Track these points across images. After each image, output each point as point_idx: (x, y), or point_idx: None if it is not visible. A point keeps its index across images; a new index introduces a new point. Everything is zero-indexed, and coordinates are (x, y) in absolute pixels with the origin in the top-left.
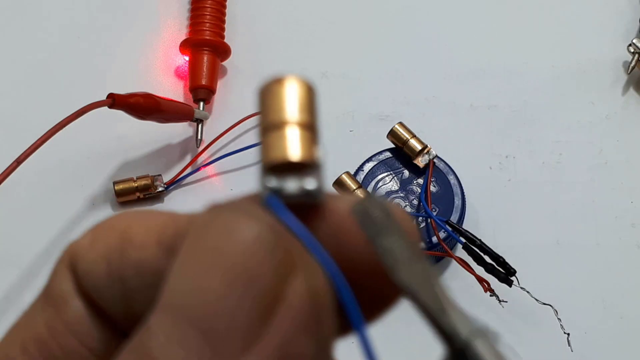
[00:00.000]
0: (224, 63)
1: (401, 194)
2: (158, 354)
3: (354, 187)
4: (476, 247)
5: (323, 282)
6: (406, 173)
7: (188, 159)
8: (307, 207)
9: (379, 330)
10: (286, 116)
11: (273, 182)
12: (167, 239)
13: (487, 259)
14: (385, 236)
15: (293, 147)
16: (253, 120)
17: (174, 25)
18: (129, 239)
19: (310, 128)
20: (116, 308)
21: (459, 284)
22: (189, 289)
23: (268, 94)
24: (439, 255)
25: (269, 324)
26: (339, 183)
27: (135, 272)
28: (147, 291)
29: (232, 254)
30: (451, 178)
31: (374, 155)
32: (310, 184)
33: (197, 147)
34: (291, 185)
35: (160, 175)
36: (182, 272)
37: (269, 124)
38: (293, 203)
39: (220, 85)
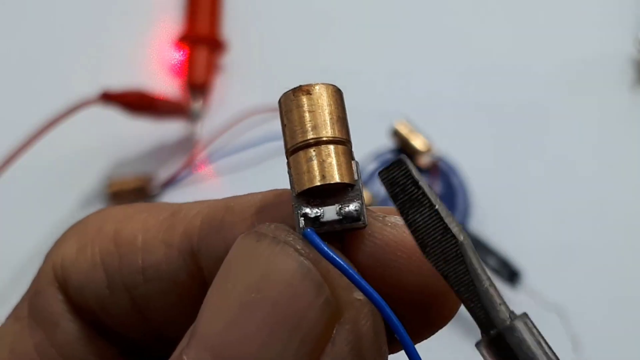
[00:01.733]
0: (222, 59)
1: None
2: None
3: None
4: (481, 249)
5: (370, 322)
6: None
7: (184, 157)
8: (348, 233)
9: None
10: (317, 133)
11: (310, 210)
12: (177, 239)
13: (492, 260)
14: (416, 208)
15: (329, 168)
16: (253, 120)
17: (170, 20)
18: (128, 242)
19: (344, 143)
20: (125, 319)
21: None
22: (227, 330)
23: (292, 106)
24: None
25: None
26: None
27: (144, 277)
28: (164, 298)
29: (275, 294)
30: (455, 178)
31: (376, 156)
32: (351, 206)
33: (193, 146)
34: (330, 211)
35: (154, 175)
36: (218, 308)
37: (298, 144)
38: (333, 231)
39: (217, 82)
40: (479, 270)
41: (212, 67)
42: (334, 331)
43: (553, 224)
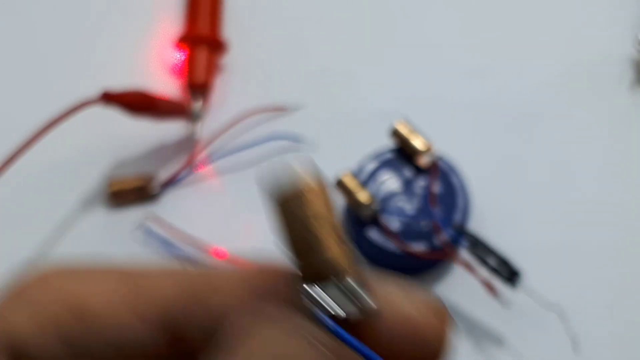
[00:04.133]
0: (222, 60)
1: (404, 195)
2: None
3: (356, 189)
4: (480, 249)
5: None
6: (409, 173)
7: (184, 157)
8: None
9: None
10: (320, 243)
11: (318, 294)
12: (148, 310)
13: (491, 260)
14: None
15: (336, 266)
16: (253, 120)
17: (170, 20)
18: (89, 311)
19: (341, 239)
20: None
21: (463, 286)
22: None
23: (287, 213)
24: (442, 257)
25: None
26: (340, 184)
27: (113, 351)
28: None
29: None
30: (455, 178)
31: (376, 155)
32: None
33: (193, 146)
34: (340, 302)
35: (155, 174)
36: None
37: (300, 250)
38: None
39: (217, 82)
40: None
41: (212, 67)
42: None
43: (553, 223)
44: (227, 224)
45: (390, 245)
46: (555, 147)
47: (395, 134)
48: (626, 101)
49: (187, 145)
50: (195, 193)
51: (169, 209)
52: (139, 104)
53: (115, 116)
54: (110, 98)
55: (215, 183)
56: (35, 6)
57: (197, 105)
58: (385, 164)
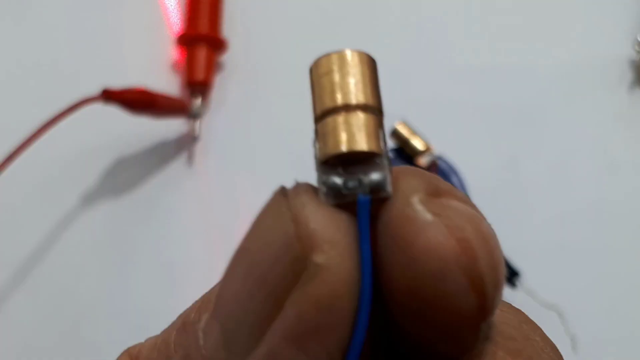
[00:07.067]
0: (221, 58)
1: None
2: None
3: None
4: None
5: (338, 289)
6: None
7: (184, 155)
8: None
9: None
10: (347, 99)
11: (333, 178)
12: None
13: None
14: None
15: (357, 136)
16: (252, 119)
17: (170, 19)
18: None
19: (374, 110)
20: None
21: None
22: (219, 287)
23: (323, 72)
24: None
25: (268, 330)
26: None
27: None
28: None
29: (254, 248)
30: (454, 178)
31: None
32: (375, 175)
33: (193, 144)
34: (354, 180)
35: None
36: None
37: (326, 109)
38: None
39: (217, 80)
40: None
41: (212, 66)
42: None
43: (552, 223)
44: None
45: None
46: (554, 148)
47: (395, 134)
48: (626, 102)
49: (187, 143)
50: (194, 192)
51: (169, 209)
52: (139, 101)
53: (115, 114)
54: (110, 95)
55: (214, 181)
56: (35, 5)
57: (196, 103)
58: None
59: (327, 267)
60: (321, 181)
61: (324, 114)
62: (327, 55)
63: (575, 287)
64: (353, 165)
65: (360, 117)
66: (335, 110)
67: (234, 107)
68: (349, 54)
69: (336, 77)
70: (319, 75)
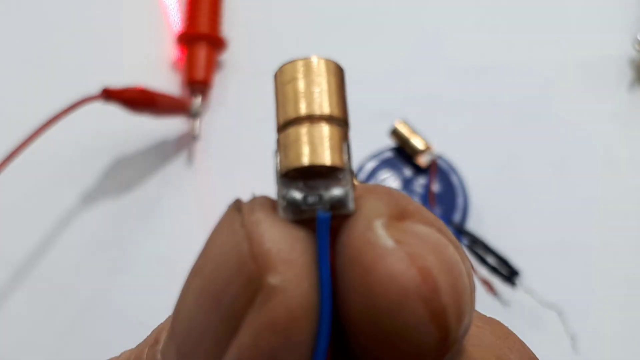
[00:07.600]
0: (221, 57)
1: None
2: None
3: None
4: (479, 248)
5: (294, 312)
6: (408, 172)
7: (184, 154)
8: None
9: None
10: (311, 109)
11: (293, 192)
12: None
13: (491, 259)
14: None
15: (319, 148)
16: (252, 118)
17: (170, 18)
18: None
19: (338, 122)
20: None
21: None
22: (175, 307)
23: (287, 80)
24: None
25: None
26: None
27: None
28: None
29: (208, 267)
30: (454, 177)
31: (376, 154)
32: (336, 191)
33: (193, 142)
34: (315, 195)
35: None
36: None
37: (289, 119)
38: (310, 217)
39: (217, 79)
40: None
41: (212, 64)
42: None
43: (552, 223)
44: None
45: None
46: (554, 147)
47: (395, 133)
48: (625, 101)
49: (187, 142)
50: (194, 191)
51: (169, 209)
52: (139, 100)
53: (115, 113)
54: (110, 94)
55: (214, 180)
56: (36, 4)
57: (196, 102)
58: (384, 163)
59: (282, 289)
60: (280, 195)
61: (286, 124)
62: (292, 62)
63: (575, 287)
64: (314, 179)
65: (324, 129)
66: (298, 120)
67: (233, 107)
68: (315, 61)
69: (301, 85)
70: (283, 82)
